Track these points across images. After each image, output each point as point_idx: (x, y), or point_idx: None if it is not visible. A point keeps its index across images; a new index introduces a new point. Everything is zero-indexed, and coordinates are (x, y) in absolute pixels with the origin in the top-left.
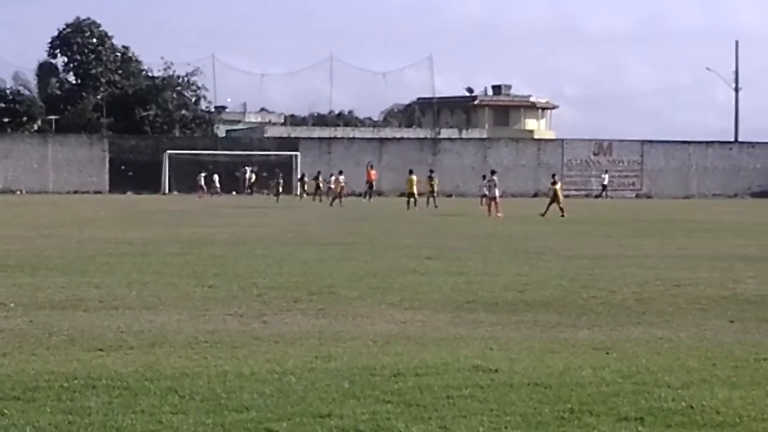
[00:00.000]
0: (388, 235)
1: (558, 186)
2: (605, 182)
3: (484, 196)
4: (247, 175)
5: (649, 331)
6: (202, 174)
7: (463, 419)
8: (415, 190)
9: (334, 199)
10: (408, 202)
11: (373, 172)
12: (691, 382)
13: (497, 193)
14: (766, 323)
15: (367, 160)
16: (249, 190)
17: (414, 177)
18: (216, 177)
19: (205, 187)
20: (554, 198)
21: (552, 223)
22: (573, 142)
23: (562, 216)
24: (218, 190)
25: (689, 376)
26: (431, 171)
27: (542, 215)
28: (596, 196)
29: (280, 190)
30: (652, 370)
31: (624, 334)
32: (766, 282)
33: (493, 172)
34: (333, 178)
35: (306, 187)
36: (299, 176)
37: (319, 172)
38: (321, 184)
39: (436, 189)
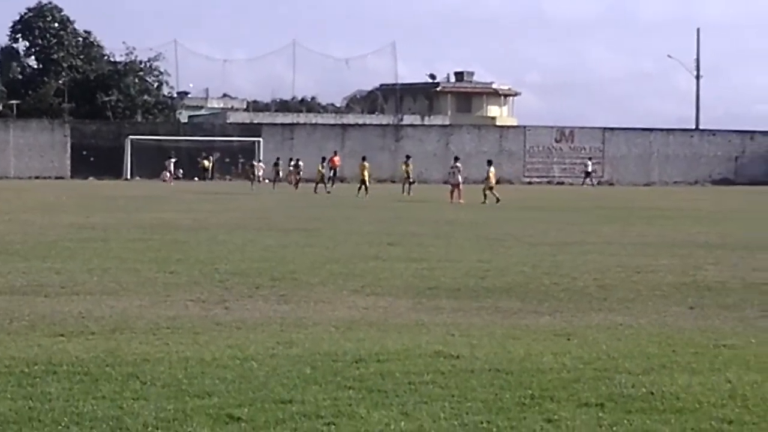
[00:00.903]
0: (350, 221)
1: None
2: (589, 169)
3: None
4: (207, 163)
5: (610, 318)
6: (172, 159)
7: (425, 405)
8: (366, 177)
9: (317, 185)
10: (359, 188)
11: (336, 158)
12: (652, 368)
13: (460, 180)
14: (725, 310)
15: (330, 147)
16: (208, 177)
17: (366, 164)
18: (174, 162)
19: (172, 172)
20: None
21: (514, 210)
22: (535, 129)
23: (484, 202)
24: (180, 175)
25: (649, 362)
26: (407, 157)
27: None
28: (581, 183)
29: (257, 174)
30: (613, 356)
31: (585, 321)
32: (726, 269)
33: (456, 159)
34: (297, 164)
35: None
36: (274, 161)
37: (278, 158)
38: (280, 171)
39: (411, 176)
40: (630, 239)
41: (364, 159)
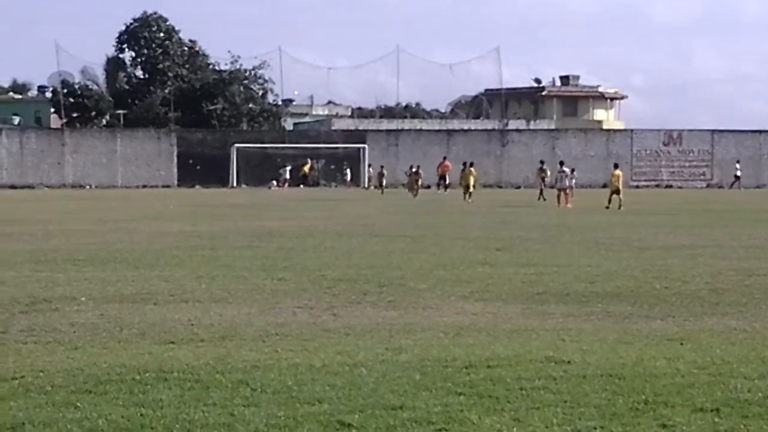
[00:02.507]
0: (456, 227)
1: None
2: (738, 173)
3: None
4: (306, 169)
5: (724, 322)
6: (287, 167)
7: (537, 411)
8: (471, 182)
9: (415, 190)
10: (464, 194)
11: (447, 164)
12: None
13: (567, 184)
14: None
15: (435, 152)
16: (308, 183)
17: (472, 169)
18: (289, 170)
19: (288, 179)
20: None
21: (621, 214)
22: (642, 133)
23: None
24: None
25: (765, 367)
26: (466, 164)
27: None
28: (730, 187)
29: (383, 183)
30: (727, 360)
31: (698, 325)
32: None
33: (561, 164)
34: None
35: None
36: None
37: (412, 166)
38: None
39: (473, 182)
40: (741, 242)
41: (471, 165)
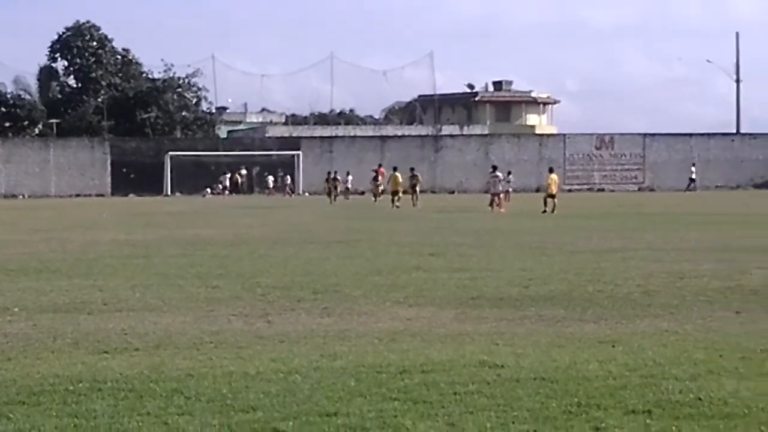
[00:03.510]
0: (390, 232)
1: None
2: (693, 176)
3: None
4: (239, 178)
5: (655, 324)
6: (227, 175)
7: (471, 415)
8: (399, 188)
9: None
10: (392, 199)
11: (382, 170)
12: (699, 374)
13: (500, 189)
14: None
15: (370, 159)
16: (242, 191)
17: (398, 174)
18: (228, 177)
19: (227, 186)
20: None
21: (554, 218)
22: (575, 137)
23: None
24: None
25: (696, 368)
26: (412, 169)
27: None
28: (685, 189)
29: (337, 189)
30: (659, 362)
31: (630, 327)
32: None
33: (494, 168)
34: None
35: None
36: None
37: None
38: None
39: (418, 188)
40: (673, 245)
41: (395, 170)
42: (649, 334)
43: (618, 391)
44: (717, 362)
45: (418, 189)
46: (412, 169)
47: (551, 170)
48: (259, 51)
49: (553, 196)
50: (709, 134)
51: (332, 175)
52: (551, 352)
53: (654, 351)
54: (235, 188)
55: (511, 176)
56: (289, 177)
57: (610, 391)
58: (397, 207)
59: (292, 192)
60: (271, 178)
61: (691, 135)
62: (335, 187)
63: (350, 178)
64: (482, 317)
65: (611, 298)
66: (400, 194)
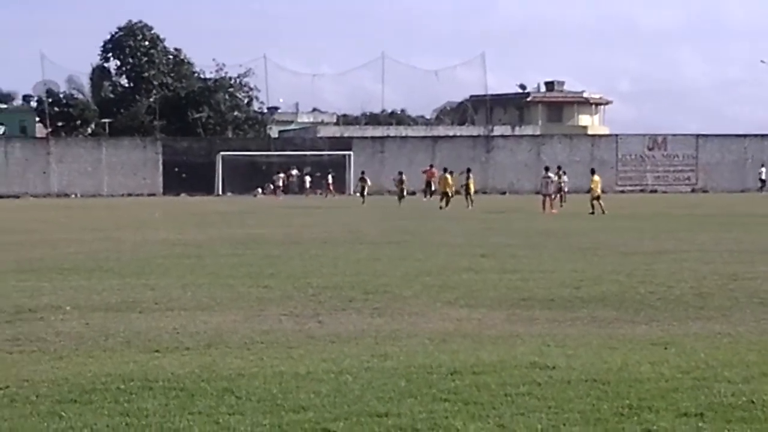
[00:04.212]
0: (441, 233)
1: (596, 179)
2: (763, 176)
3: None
4: (279, 183)
5: (708, 326)
6: (281, 175)
7: (521, 417)
8: (449, 190)
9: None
10: (442, 200)
11: (433, 170)
12: (752, 377)
13: (552, 190)
14: None
15: (421, 159)
16: (293, 191)
17: (448, 176)
18: (282, 177)
19: (281, 186)
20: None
21: (607, 219)
22: (627, 138)
23: (592, 213)
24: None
25: (749, 371)
26: (468, 170)
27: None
28: (758, 190)
29: (365, 190)
30: (712, 365)
31: (682, 329)
32: None
33: (547, 169)
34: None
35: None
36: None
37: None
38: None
39: (472, 188)
40: (726, 246)
41: (446, 171)
42: (701, 336)
43: (670, 394)
44: None
45: (472, 190)
46: (468, 170)
47: (593, 172)
48: (311, 51)
49: (598, 198)
50: (762, 135)
51: (361, 175)
52: (603, 353)
53: (706, 353)
54: (286, 188)
55: (565, 176)
56: (330, 176)
57: (661, 394)
58: (441, 208)
59: (331, 192)
60: (308, 179)
61: (745, 136)
62: (363, 188)
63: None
64: (533, 318)
65: (663, 300)
66: (451, 195)
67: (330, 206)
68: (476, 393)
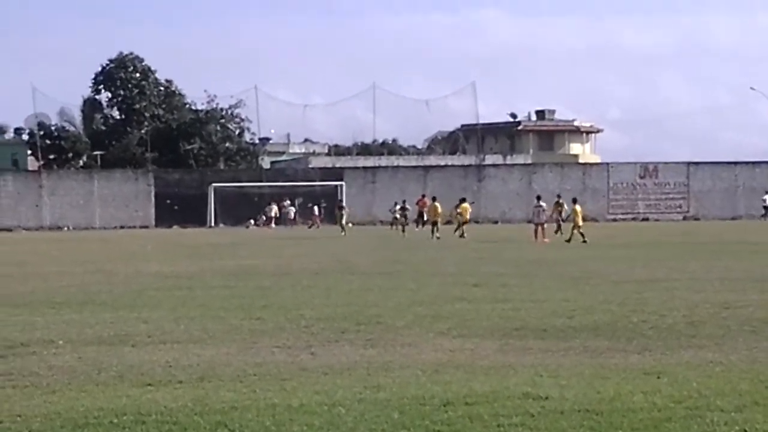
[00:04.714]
0: (433, 263)
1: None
2: (767, 203)
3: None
4: (272, 213)
5: (700, 355)
6: (273, 206)
7: None
8: (438, 219)
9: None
10: (432, 230)
11: (424, 200)
12: (744, 406)
13: (544, 219)
14: None
15: (412, 189)
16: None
17: (437, 204)
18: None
19: (272, 218)
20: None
21: (598, 248)
22: (618, 166)
23: (568, 241)
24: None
25: (742, 400)
26: (463, 200)
27: (567, 241)
28: (761, 216)
29: (344, 220)
30: (704, 394)
31: (675, 358)
32: None
33: (539, 198)
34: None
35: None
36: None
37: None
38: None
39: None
40: (717, 274)
41: (434, 200)
42: (694, 365)
43: (663, 423)
44: (762, 393)
45: (461, 219)
46: (462, 200)
47: (575, 201)
48: (302, 81)
49: (578, 227)
50: (754, 162)
51: (339, 204)
52: (595, 383)
53: (699, 382)
54: (278, 220)
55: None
56: (316, 207)
57: (654, 423)
58: (438, 238)
59: (317, 223)
60: (292, 209)
61: (735, 163)
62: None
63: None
64: (526, 348)
65: (655, 329)
66: (439, 225)
67: (320, 237)
68: (469, 424)
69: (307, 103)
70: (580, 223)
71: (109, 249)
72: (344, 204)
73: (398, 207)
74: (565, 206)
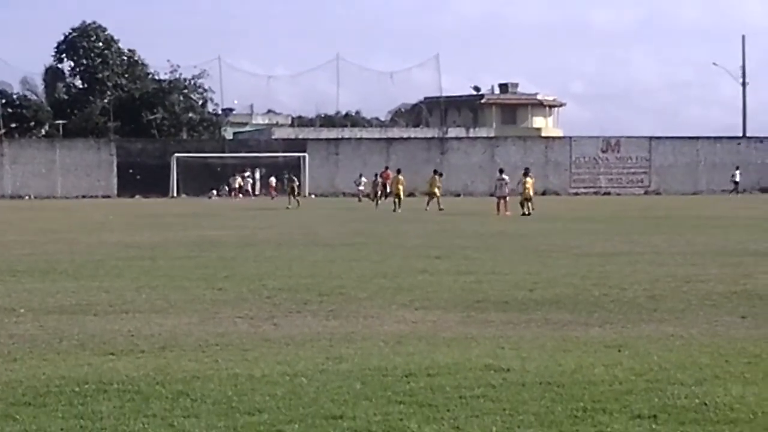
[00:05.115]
0: (396, 235)
1: (529, 180)
2: (737, 179)
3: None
4: (237, 183)
5: (661, 328)
6: (246, 174)
7: (476, 419)
8: (401, 191)
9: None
10: (394, 203)
11: (388, 173)
12: (704, 379)
13: (506, 192)
14: None
15: (375, 161)
16: (238, 194)
17: (401, 177)
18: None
19: (242, 187)
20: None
21: (561, 221)
22: (581, 140)
23: (525, 214)
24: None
25: (702, 373)
26: (435, 171)
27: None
28: (729, 192)
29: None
30: (665, 367)
31: (636, 332)
32: None
33: (501, 171)
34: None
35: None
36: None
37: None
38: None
39: (438, 191)
40: (679, 249)
41: (399, 172)
42: (654, 338)
43: (623, 396)
44: (723, 367)
45: (438, 192)
46: (435, 171)
47: (526, 172)
48: (266, 52)
49: (529, 199)
50: (715, 138)
51: (288, 176)
52: (557, 356)
53: (659, 356)
54: (240, 190)
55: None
56: (273, 178)
57: (615, 396)
58: (394, 212)
59: (273, 194)
60: (249, 180)
61: (697, 138)
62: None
63: (363, 180)
64: (488, 321)
65: (617, 302)
66: (401, 197)
67: (281, 208)
68: (431, 395)
69: (270, 75)
70: (531, 195)
71: (70, 218)
72: (294, 177)
73: (372, 180)
74: (506, 179)
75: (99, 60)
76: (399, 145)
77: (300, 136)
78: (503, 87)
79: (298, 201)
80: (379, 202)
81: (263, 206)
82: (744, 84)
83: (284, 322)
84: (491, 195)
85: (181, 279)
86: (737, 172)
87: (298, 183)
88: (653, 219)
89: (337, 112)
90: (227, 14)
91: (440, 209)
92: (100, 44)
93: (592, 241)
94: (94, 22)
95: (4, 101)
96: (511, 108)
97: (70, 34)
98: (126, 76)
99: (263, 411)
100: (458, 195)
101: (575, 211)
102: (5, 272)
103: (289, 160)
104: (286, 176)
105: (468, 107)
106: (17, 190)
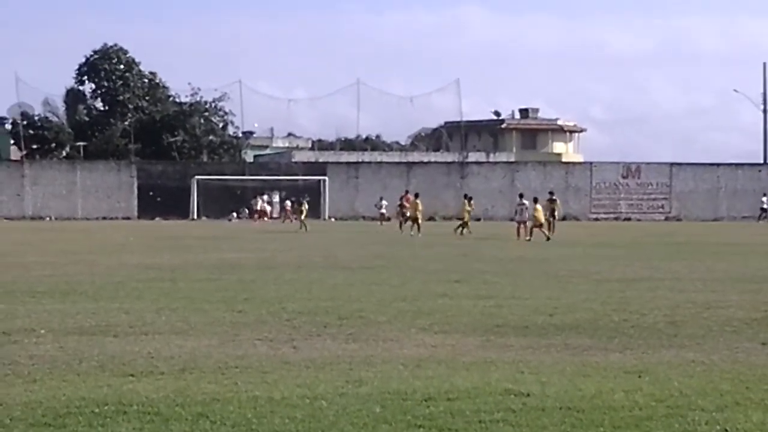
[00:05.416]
0: (416, 259)
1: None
2: (765, 205)
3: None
4: (258, 206)
5: (681, 354)
6: (264, 197)
7: None
8: (419, 215)
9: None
10: (411, 227)
11: (408, 197)
12: (725, 406)
13: (527, 217)
14: None
15: (395, 185)
16: (261, 218)
17: (419, 201)
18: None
19: (261, 209)
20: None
21: (581, 247)
22: (601, 165)
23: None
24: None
25: (723, 400)
26: (466, 196)
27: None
28: (757, 220)
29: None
30: (685, 393)
31: (656, 358)
32: None
33: (521, 196)
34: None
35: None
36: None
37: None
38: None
39: (467, 217)
40: (699, 275)
41: (417, 196)
42: (675, 364)
43: (644, 422)
44: (743, 393)
45: (467, 217)
46: (466, 196)
47: (536, 200)
48: (286, 75)
49: (540, 225)
50: (736, 164)
51: (299, 200)
52: (577, 381)
53: (680, 382)
54: (261, 213)
55: (558, 202)
56: (288, 202)
57: (635, 422)
58: (411, 235)
59: (289, 218)
60: (267, 207)
61: (718, 165)
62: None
63: (384, 203)
64: (507, 345)
65: (637, 328)
66: (420, 221)
67: (299, 231)
68: (450, 420)
69: (291, 98)
70: (542, 221)
71: (91, 240)
72: (302, 200)
73: (397, 203)
74: (526, 204)
75: (120, 82)
76: (419, 169)
77: (320, 160)
78: (524, 112)
79: (304, 224)
80: (403, 226)
81: (282, 229)
82: (765, 111)
83: (304, 345)
84: (511, 219)
85: (201, 301)
86: (765, 198)
87: (306, 206)
88: (673, 245)
89: (358, 136)
90: (248, 38)
91: (461, 233)
92: (122, 66)
93: (612, 267)
94: (115, 45)
95: (25, 123)
96: (532, 133)
97: (91, 56)
98: (147, 98)
99: None
100: (478, 219)
101: (595, 237)
102: (26, 293)
103: (309, 183)
104: (293, 199)
105: (488, 132)
106: (38, 211)
